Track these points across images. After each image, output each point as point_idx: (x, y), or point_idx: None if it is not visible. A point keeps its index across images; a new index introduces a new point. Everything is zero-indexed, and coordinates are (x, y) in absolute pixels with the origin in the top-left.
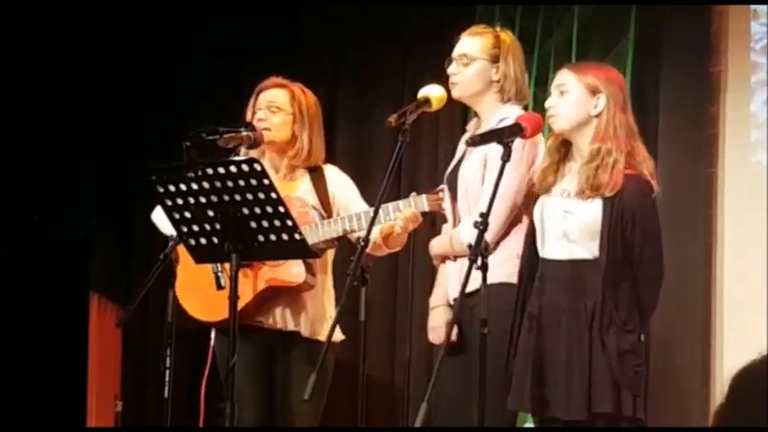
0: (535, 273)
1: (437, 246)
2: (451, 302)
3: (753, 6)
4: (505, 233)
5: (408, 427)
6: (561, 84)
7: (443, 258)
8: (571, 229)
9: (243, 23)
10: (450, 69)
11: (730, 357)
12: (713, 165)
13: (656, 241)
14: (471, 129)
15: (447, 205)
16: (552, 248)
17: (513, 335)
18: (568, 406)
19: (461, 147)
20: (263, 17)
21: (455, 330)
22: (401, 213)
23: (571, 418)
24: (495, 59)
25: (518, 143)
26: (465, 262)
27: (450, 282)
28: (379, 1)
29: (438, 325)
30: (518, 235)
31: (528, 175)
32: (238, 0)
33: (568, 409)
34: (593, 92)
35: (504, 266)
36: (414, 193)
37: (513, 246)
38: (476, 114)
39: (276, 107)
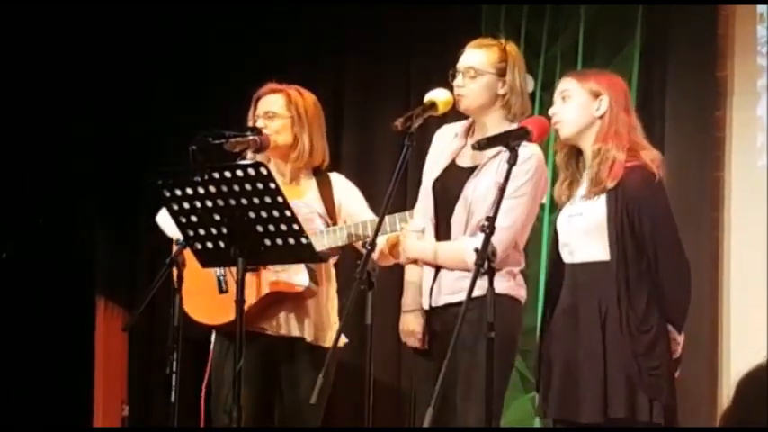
0: (561, 280)
1: (442, 256)
2: (426, 308)
3: (759, 10)
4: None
5: (411, 427)
6: (564, 90)
7: (415, 261)
8: (584, 229)
9: (246, 28)
10: (457, 82)
11: (737, 360)
12: (719, 168)
13: (669, 230)
14: (461, 132)
15: (427, 209)
16: (571, 254)
17: (541, 341)
18: (584, 409)
19: (448, 146)
20: (267, 22)
21: (419, 339)
22: (407, 224)
23: (587, 422)
24: (501, 73)
25: (530, 179)
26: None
27: (428, 289)
28: (383, 4)
29: (418, 330)
30: (513, 257)
31: (535, 212)
32: (241, 4)
33: (585, 413)
34: (596, 95)
35: (501, 281)
36: None
37: (511, 264)
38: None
39: (273, 113)
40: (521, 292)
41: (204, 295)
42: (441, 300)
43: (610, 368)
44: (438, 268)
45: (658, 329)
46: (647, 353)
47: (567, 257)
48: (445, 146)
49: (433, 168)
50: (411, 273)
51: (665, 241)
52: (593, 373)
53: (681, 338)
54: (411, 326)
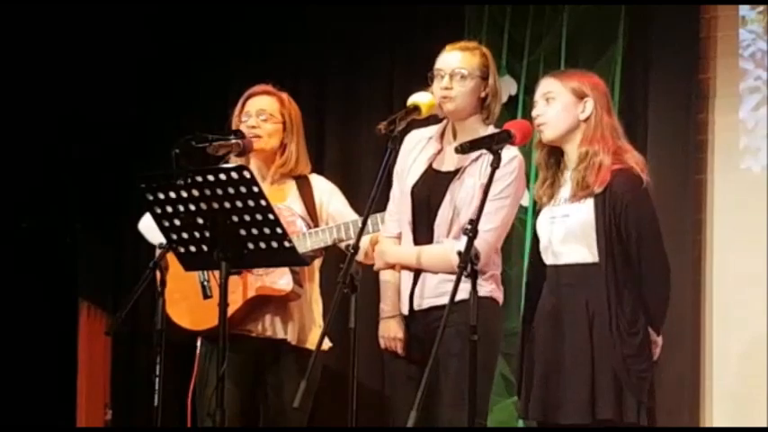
0: (542, 282)
1: (427, 260)
2: (405, 313)
3: (741, 13)
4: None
5: (404, 427)
6: (547, 92)
7: (393, 266)
8: (570, 231)
9: (231, 34)
10: (445, 84)
11: (720, 363)
12: (702, 171)
13: (653, 234)
14: (435, 136)
15: (405, 213)
16: (555, 255)
17: (523, 343)
18: (571, 410)
19: (418, 151)
20: (251, 28)
21: (402, 345)
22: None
23: (573, 423)
24: (485, 77)
25: (510, 176)
26: (434, 275)
27: (407, 293)
28: (366, 7)
29: (400, 336)
30: (495, 260)
31: (515, 213)
32: (227, 10)
33: (571, 414)
34: (580, 96)
35: (486, 284)
36: None
37: (494, 267)
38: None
39: (269, 114)
40: (500, 295)
41: (188, 301)
42: (424, 303)
43: (598, 369)
44: (418, 272)
45: (645, 332)
46: (637, 354)
47: (550, 259)
48: (419, 151)
49: (406, 173)
50: (387, 278)
51: (649, 245)
52: (580, 375)
53: (660, 341)
54: (393, 332)
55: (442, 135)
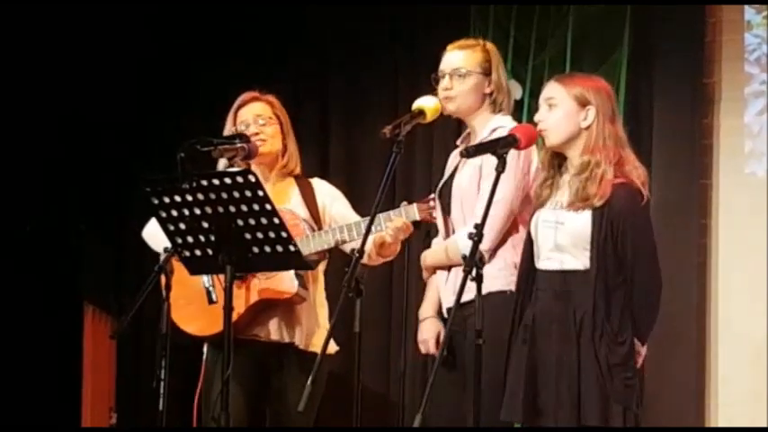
0: (532, 285)
1: (431, 257)
2: (444, 313)
3: (746, 17)
4: (501, 242)
5: (409, 427)
6: (550, 97)
7: (434, 270)
8: (563, 239)
9: (232, 35)
10: (444, 84)
11: (725, 368)
12: (707, 176)
13: (648, 250)
14: (460, 141)
15: (439, 219)
16: (545, 260)
17: (511, 346)
18: (557, 417)
19: (453, 160)
20: (251, 29)
21: (434, 345)
22: (392, 223)
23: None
24: (487, 72)
25: (512, 153)
26: (459, 272)
27: (442, 292)
28: (369, 10)
29: (428, 337)
30: (513, 244)
31: (524, 183)
32: (227, 11)
33: (557, 420)
34: (583, 104)
35: (500, 276)
36: (404, 203)
37: (509, 255)
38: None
39: (267, 118)
40: None
41: (194, 307)
42: (445, 303)
43: (583, 377)
44: (450, 271)
45: (632, 341)
46: (623, 363)
47: (543, 264)
48: (452, 160)
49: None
50: (430, 282)
51: (643, 260)
52: (566, 381)
53: (643, 351)
54: (423, 334)
55: (466, 138)
